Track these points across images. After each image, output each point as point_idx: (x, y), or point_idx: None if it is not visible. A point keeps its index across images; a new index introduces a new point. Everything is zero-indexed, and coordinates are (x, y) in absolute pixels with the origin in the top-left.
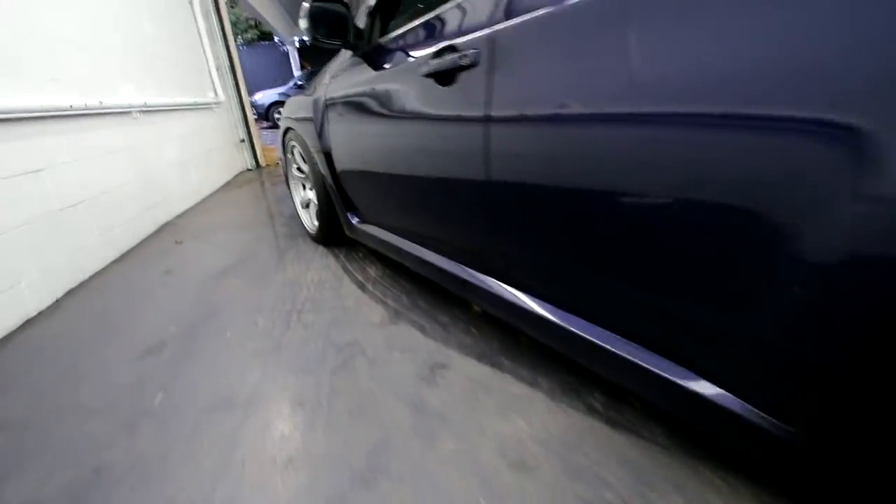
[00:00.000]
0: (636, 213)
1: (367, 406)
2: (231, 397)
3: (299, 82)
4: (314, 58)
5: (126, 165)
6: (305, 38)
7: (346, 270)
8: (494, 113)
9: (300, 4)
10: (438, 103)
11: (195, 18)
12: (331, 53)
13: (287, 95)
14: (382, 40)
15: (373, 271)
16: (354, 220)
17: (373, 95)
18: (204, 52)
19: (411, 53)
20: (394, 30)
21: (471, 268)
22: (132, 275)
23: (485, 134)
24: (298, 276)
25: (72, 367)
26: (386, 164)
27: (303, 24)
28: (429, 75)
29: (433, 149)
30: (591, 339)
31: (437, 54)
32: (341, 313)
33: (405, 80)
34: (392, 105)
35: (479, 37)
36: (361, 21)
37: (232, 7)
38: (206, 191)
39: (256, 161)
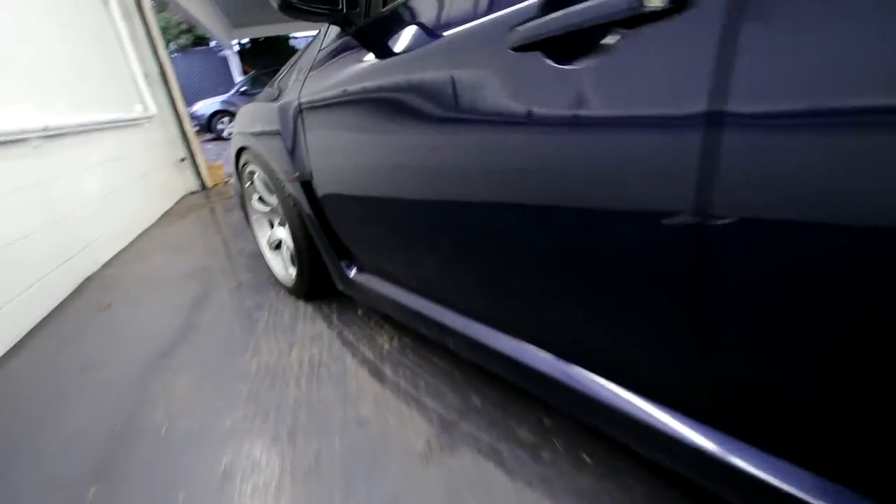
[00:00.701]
0: None
1: None
2: None
3: (243, 88)
4: (256, 61)
5: (26, 210)
6: (245, 39)
7: (346, 343)
8: (735, 106)
9: (238, 2)
10: (553, 94)
11: (113, 21)
12: (279, 54)
13: (231, 104)
14: (390, 9)
15: (385, 341)
16: (351, 272)
17: (389, 90)
18: (127, 59)
19: (463, 20)
20: None
21: (584, 368)
22: (30, 380)
23: (702, 148)
24: (279, 357)
25: None
26: (420, 193)
27: None
28: (526, 47)
29: (538, 172)
30: None
31: (550, 6)
32: (359, 433)
33: (462, 60)
34: (433, 103)
35: None
36: None
37: (160, 12)
38: (142, 225)
39: (202, 181)
